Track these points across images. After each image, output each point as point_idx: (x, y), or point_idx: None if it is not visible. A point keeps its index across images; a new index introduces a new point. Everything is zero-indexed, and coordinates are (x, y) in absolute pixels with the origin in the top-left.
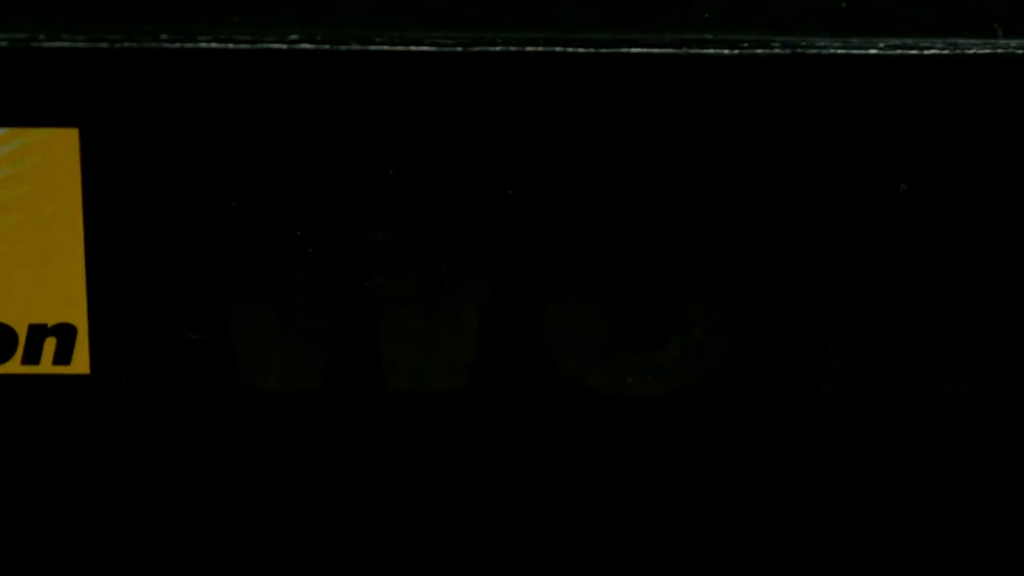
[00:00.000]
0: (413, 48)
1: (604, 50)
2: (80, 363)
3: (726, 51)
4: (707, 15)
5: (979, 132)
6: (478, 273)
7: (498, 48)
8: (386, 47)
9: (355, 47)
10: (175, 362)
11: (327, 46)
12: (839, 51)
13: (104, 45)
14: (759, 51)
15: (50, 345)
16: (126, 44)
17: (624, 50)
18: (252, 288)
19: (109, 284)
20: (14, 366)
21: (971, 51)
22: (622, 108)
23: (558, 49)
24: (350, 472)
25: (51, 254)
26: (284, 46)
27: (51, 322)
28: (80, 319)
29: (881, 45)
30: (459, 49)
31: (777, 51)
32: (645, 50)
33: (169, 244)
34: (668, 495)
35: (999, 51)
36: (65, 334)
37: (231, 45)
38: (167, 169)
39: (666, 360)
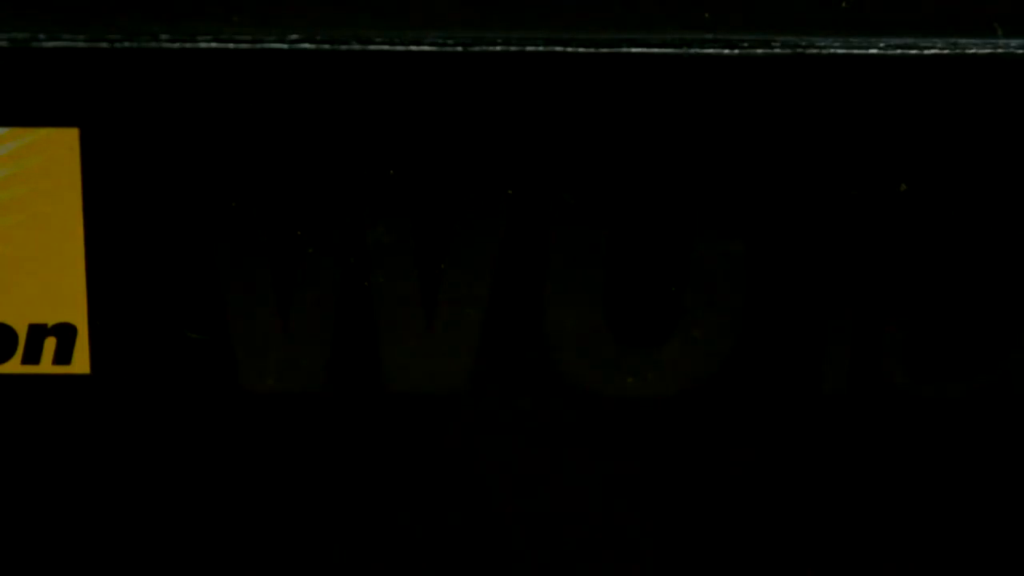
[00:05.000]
0: (413, 48)
1: (604, 50)
2: (80, 363)
3: (726, 51)
4: (707, 15)
5: (979, 132)
6: (478, 273)
7: (498, 48)
8: (386, 47)
9: (355, 47)
10: (175, 362)
11: (327, 46)
12: (839, 51)
13: (104, 45)
14: (759, 51)
15: (50, 345)
16: (126, 44)
17: (624, 50)
18: (252, 288)
19: (109, 284)
20: (14, 366)
21: (971, 51)
22: (622, 108)
23: (558, 49)
24: (350, 472)
25: (51, 254)
26: (284, 46)
27: (51, 322)
28: (80, 319)
29: (881, 45)
30: (459, 49)
31: (777, 51)
32: (645, 50)
33: (169, 244)
34: (669, 495)
35: (999, 51)
36: (65, 334)
37: (231, 45)
38: (167, 169)
39: (666, 360)
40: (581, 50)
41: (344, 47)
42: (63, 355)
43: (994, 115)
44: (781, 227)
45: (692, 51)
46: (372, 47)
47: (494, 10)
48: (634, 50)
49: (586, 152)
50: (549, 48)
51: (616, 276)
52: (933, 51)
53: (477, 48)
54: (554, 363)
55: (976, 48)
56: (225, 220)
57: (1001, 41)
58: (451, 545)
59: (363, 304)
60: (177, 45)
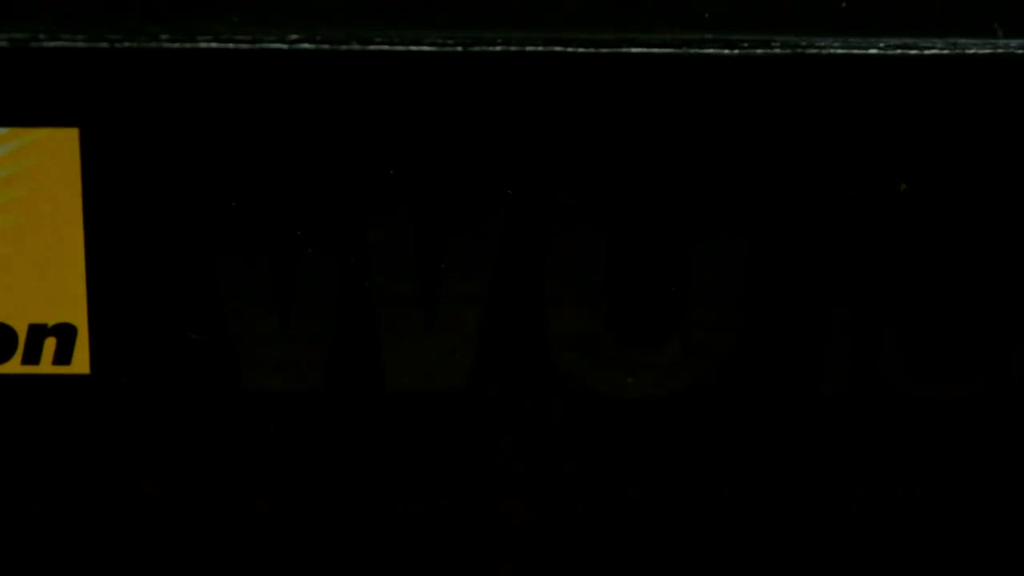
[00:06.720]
0: (413, 48)
1: (604, 50)
2: (80, 363)
3: (726, 51)
4: (707, 15)
5: (979, 132)
6: (478, 273)
7: (498, 48)
8: (386, 47)
9: (355, 47)
10: (175, 362)
11: (327, 46)
12: (839, 51)
13: (104, 45)
14: (759, 51)
15: (50, 345)
16: (126, 44)
17: (624, 50)
18: (252, 288)
19: (109, 284)
20: (14, 366)
21: (971, 51)
22: (622, 108)
23: (558, 49)
24: (350, 472)
25: (51, 254)
26: (284, 46)
27: (51, 322)
28: (80, 319)
29: (881, 45)
30: (459, 49)
31: (777, 51)
32: (645, 50)
33: (169, 244)
34: (669, 495)
35: (999, 51)
36: (65, 334)
37: (231, 45)
38: (167, 169)
39: (666, 360)
40: (581, 50)
41: (344, 47)
42: (63, 355)
43: (994, 115)
44: (781, 227)
45: (692, 51)
46: (372, 47)
47: (494, 10)
48: (634, 50)
49: (586, 152)
50: (549, 48)
51: (616, 276)
52: (933, 51)
53: (477, 48)
54: (554, 363)
55: (976, 48)
56: (225, 220)
57: (1001, 41)
58: (451, 545)
59: (363, 304)
60: (177, 45)
